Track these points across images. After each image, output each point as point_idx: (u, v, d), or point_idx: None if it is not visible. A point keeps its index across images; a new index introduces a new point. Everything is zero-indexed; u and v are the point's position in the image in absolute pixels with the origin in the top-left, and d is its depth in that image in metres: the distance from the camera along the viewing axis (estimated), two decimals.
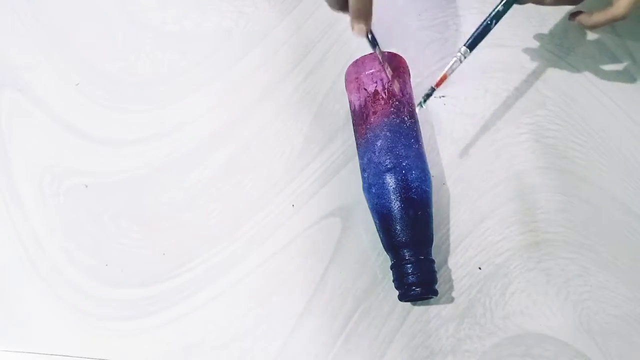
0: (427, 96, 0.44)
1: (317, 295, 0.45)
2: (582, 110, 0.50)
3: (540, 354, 0.43)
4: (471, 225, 0.47)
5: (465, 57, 0.43)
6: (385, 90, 0.45)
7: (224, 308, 0.45)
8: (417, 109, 0.45)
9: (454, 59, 0.43)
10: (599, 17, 0.46)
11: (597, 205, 0.47)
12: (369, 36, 0.43)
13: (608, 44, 0.53)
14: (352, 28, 0.42)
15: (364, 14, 0.42)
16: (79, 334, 0.45)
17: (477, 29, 0.43)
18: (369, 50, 0.47)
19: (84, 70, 0.55)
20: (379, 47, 0.44)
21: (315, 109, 0.52)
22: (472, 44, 0.43)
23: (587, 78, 0.52)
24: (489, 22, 0.43)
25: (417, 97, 0.49)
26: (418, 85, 0.50)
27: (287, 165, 0.50)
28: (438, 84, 0.43)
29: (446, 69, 0.43)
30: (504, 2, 0.43)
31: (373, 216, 0.45)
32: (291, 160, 0.50)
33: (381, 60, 0.45)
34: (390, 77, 0.45)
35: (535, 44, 0.53)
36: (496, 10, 0.43)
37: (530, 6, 0.46)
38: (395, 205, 0.42)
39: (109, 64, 0.55)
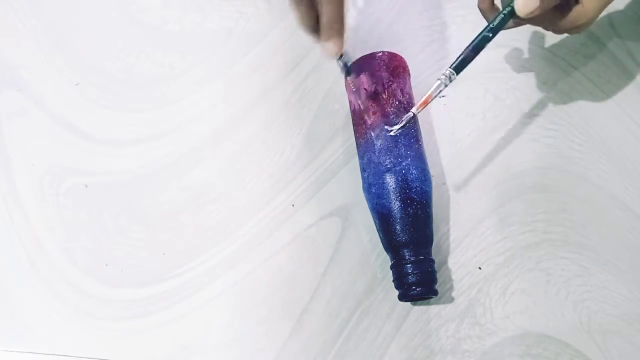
0: (408, 120, 0.41)
1: (317, 295, 0.45)
2: (582, 110, 0.50)
3: (540, 354, 0.43)
4: (471, 225, 0.47)
5: (451, 80, 0.40)
6: (385, 90, 0.45)
7: (224, 308, 0.45)
8: (392, 132, 0.42)
9: (438, 82, 0.39)
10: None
11: (597, 205, 0.47)
12: (341, 60, 0.37)
13: (608, 44, 0.53)
14: (321, 48, 0.36)
15: (336, 30, 0.35)
16: (79, 334, 0.45)
17: (464, 50, 0.39)
18: (369, 50, 0.47)
19: (84, 70, 0.55)
20: (352, 74, 0.39)
21: (315, 109, 0.52)
22: (459, 67, 0.39)
23: (587, 78, 0.51)
24: (477, 43, 0.39)
25: (417, 96, 0.49)
26: (418, 85, 0.50)
27: (287, 165, 0.50)
28: (420, 108, 0.40)
29: (429, 91, 0.40)
30: (496, 21, 0.39)
31: (373, 216, 0.44)
32: (291, 160, 0.50)
33: (353, 88, 0.41)
34: (363, 102, 0.41)
35: (535, 44, 0.53)
36: (487, 28, 0.39)
37: None
38: (395, 205, 0.42)
39: (109, 64, 0.55)
